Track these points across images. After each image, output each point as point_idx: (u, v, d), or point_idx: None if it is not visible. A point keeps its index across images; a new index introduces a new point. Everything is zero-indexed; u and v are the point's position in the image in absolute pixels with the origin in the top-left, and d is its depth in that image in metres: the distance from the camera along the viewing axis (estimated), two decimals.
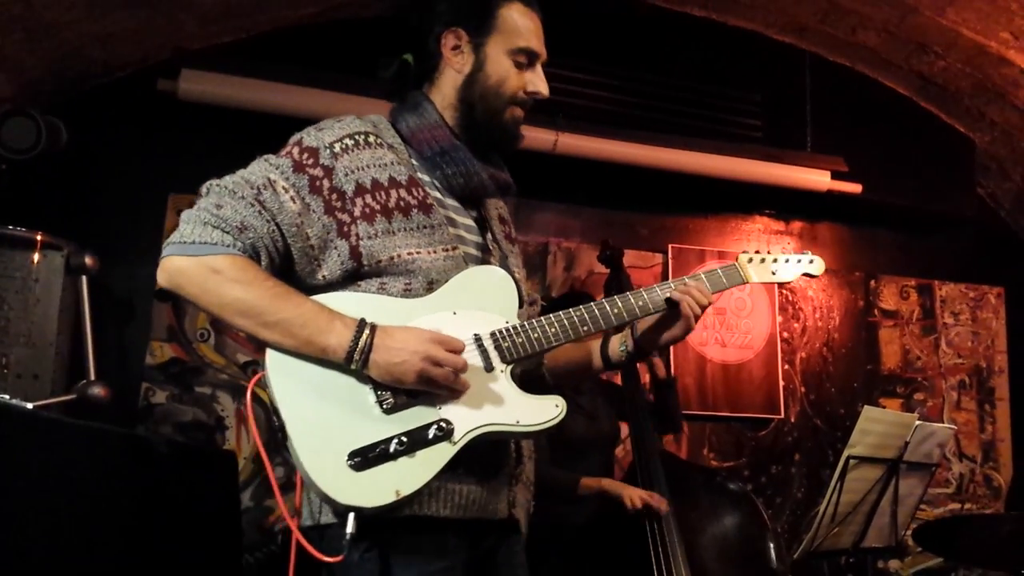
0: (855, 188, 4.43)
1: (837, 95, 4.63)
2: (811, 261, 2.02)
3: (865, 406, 2.93)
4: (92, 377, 3.18)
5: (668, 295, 1.81)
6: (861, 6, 4.23)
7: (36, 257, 3.15)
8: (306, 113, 3.66)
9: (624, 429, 3.23)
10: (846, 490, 2.88)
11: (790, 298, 4.64)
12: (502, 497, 1.72)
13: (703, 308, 1.81)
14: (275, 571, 3.51)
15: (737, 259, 1.95)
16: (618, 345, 1.93)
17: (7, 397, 2.61)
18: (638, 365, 3.17)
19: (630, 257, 3.80)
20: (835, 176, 4.39)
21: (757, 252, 1.98)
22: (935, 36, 4.30)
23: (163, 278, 1.60)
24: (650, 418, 3.06)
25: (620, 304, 1.79)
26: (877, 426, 2.91)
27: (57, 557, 2.10)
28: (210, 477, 3.07)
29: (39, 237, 3.16)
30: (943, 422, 4.58)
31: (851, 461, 2.86)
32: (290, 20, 3.94)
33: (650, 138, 4.10)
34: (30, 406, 2.50)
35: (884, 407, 4.51)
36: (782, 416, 4.47)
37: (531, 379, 1.89)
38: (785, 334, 4.58)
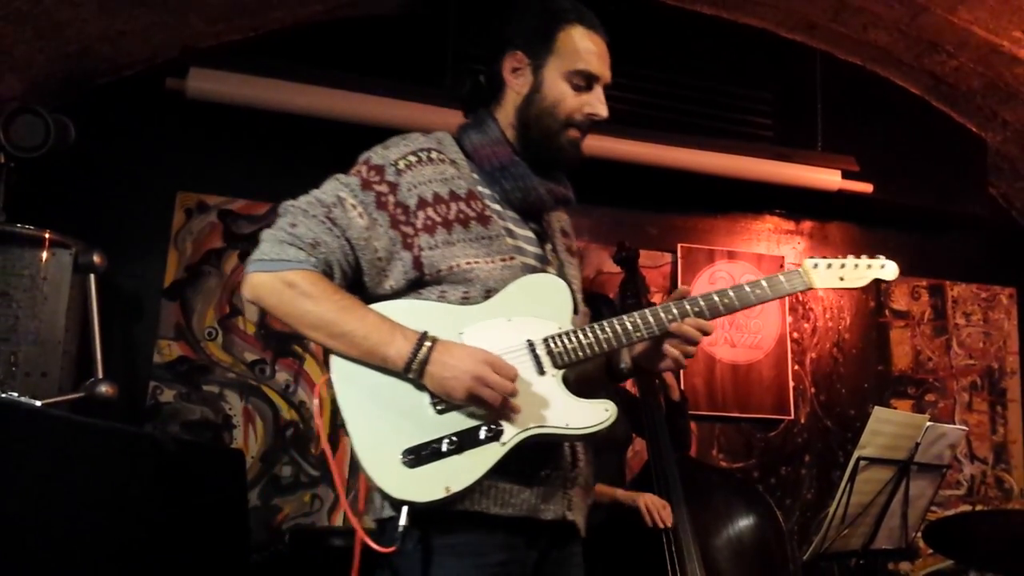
0: (866, 188, 4.40)
1: (848, 94, 4.60)
2: (883, 266, 1.96)
3: (876, 407, 2.91)
4: (100, 375, 3.19)
5: (705, 315, 1.81)
6: (872, 4, 4.20)
7: (44, 255, 3.16)
8: (314, 111, 3.69)
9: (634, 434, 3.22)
10: (856, 491, 2.87)
11: (800, 298, 4.61)
12: (556, 499, 1.76)
13: (693, 343, 1.82)
14: (282, 570, 3.51)
15: (802, 264, 1.94)
16: (619, 360, 1.95)
17: (16, 395, 2.61)
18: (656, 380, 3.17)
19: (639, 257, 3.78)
20: (846, 176, 4.36)
21: (824, 257, 1.95)
22: (947, 35, 4.27)
23: (246, 291, 1.72)
24: (665, 424, 3.04)
25: (675, 310, 1.81)
26: (888, 427, 2.89)
27: (65, 555, 2.10)
28: (217, 476, 3.07)
29: (47, 235, 3.16)
30: (954, 423, 4.56)
31: (861, 462, 2.85)
32: (298, 18, 3.93)
33: (660, 137, 4.08)
34: (38, 404, 2.50)
35: (895, 408, 4.50)
36: (792, 417, 4.45)
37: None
38: (795, 334, 4.56)
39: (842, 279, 1.94)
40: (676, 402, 3.26)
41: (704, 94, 4.30)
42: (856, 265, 1.95)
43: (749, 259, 4.52)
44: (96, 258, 3.22)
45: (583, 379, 1.97)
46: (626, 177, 4.14)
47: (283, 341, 3.84)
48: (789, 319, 4.53)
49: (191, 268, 3.81)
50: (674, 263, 4.42)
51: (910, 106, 4.76)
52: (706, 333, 1.82)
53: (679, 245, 4.44)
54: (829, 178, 4.34)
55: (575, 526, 1.82)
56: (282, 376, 3.82)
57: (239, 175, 3.90)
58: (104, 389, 3.10)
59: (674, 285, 4.38)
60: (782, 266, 4.54)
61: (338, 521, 3.75)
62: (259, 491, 3.70)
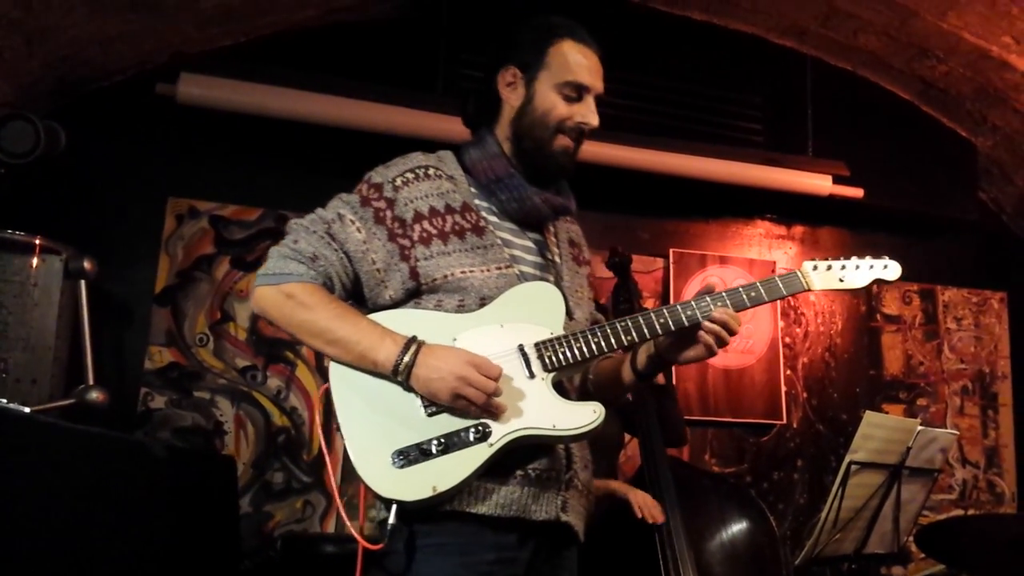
0: (857, 193, 4.42)
1: (838, 99, 4.62)
2: (885, 266, 1.94)
3: (867, 411, 2.92)
4: (90, 382, 3.17)
5: (698, 320, 1.82)
6: (862, 10, 4.22)
7: (35, 261, 3.14)
8: (305, 117, 3.68)
9: (627, 436, 3.22)
10: (848, 496, 2.87)
11: (792, 303, 4.62)
12: (549, 500, 1.78)
13: (730, 334, 1.82)
14: None
15: (801, 267, 1.94)
16: (644, 355, 1.94)
17: (5, 401, 2.60)
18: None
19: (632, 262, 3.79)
20: (837, 181, 4.37)
21: (824, 259, 1.94)
22: (936, 40, 4.29)
23: (253, 304, 1.84)
24: (658, 427, 3.04)
25: (667, 315, 1.83)
26: (879, 431, 2.90)
27: (54, 562, 2.08)
28: (209, 482, 3.06)
29: (38, 241, 3.15)
30: (946, 428, 4.57)
31: (853, 467, 2.85)
32: (290, 23, 3.93)
33: (651, 142, 4.09)
34: (28, 410, 2.50)
35: (886, 412, 4.51)
36: (784, 422, 4.46)
37: (583, 391, 2.01)
38: (787, 339, 4.57)
39: (842, 280, 1.94)
40: (662, 386, 3.26)
41: (695, 99, 4.31)
42: (857, 266, 1.95)
43: (741, 264, 4.53)
44: (87, 264, 3.21)
45: (605, 381, 2.02)
46: (618, 182, 4.14)
47: (274, 347, 3.83)
48: (781, 324, 4.54)
49: (182, 274, 3.79)
50: (666, 268, 4.43)
51: (900, 111, 4.78)
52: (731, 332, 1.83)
53: (671, 250, 4.44)
54: (820, 183, 4.35)
55: (570, 528, 1.84)
56: (273, 382, 3.80)
57: (230, 181, 3.89)
58: (95, 396, 3.08)
59: (666, 290, 4.39)
60: (773, 271, 4.55)
61: (330, 527, 3.74)
62: (250, 497, 3.69)
